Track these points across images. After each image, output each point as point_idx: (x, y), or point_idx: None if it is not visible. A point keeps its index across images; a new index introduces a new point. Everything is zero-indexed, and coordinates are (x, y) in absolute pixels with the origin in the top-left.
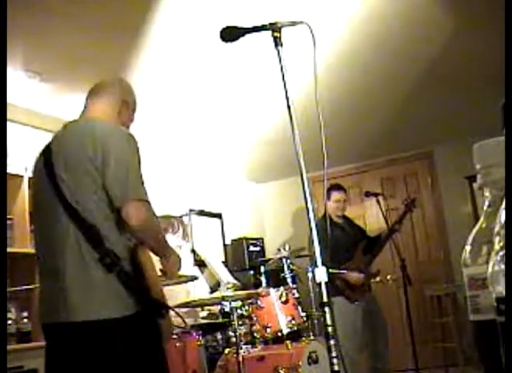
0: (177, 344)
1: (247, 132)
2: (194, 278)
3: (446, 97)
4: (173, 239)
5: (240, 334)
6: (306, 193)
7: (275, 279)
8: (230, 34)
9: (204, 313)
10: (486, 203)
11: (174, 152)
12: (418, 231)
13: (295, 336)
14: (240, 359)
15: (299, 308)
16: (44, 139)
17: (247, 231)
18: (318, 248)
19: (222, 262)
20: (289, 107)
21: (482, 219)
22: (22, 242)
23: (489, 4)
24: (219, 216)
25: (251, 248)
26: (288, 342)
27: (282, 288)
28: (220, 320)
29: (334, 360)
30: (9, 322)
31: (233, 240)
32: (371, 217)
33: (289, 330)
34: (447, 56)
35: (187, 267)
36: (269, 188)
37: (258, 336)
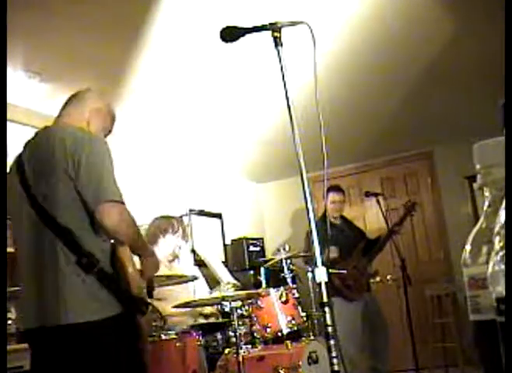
0: (177, 344)
1: (247, 132)
2: (194, 278)
3: (446, 97)
4: (173, 239)
5: (240, 334)
6: (306, 193)
7: (275, 279)
8: (230, 34)
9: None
10: (486, 203)
11: (174, 152)
12: (418, 231)
13: (295, 336)
14: (240, 359)
15: (299, 308)
16: None
17: (247, 231)
18: (318, 248)
19: (222, 262)
20: (289, 107)
21: (482, 219)
22: None
23: (489, 4)
24: (219, 216)
25: (251, 248)
26: (288, 342)
27: (282, 288)
28: (220, 320)
29: (334, 360)
30: (9, 322)
31: (233, 240)
32: (371, 217)
33: (289, 330)
34: (447, 56)
35: (188, 267)
36: (269, 188)
37: (258, 336)
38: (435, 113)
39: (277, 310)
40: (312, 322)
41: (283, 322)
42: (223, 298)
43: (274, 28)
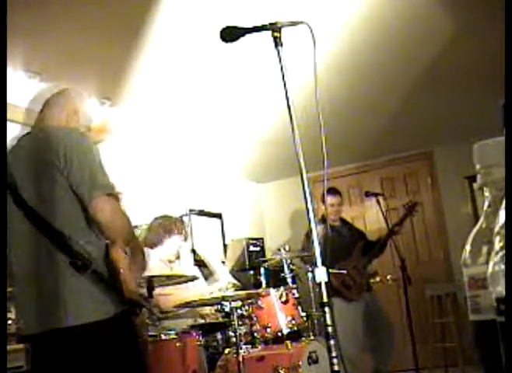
0: (177, 344)
1: (246, 132)
2: (194, 278)
3: (446, 97)
4: (177, 240)
5: (240, 334)
6: (306, 193)
7: (275, 279)
8: (230, 34)
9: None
10: (486, 203)
11: (174, 152)
12: (418, 231)
13: (295, 336)
14: (240, 359)
15: (299, 308)
16: None
17: (247, 231)
18: (318, 248)
19: (222, 262)
20: (289, 107)
21: (482, 219)
22: None
23: (489, 4)
24: (219, 216)
25: (251, 248)
26: (288, 342)
27: (282, 288)
28: (220, 320)
29: (334, 360)
30: (9, 322)
31: (233, 240)
32: (371, 217)
33: (289, 330)
34: (447, 56)
35: (188, 267)
36: (269, 188)
37: (258, 336)
38: (435, 113)
39: (277, 310)
40: (312, 322)
41: (283, 322)
42: (223, 298)
43: (274, 28)
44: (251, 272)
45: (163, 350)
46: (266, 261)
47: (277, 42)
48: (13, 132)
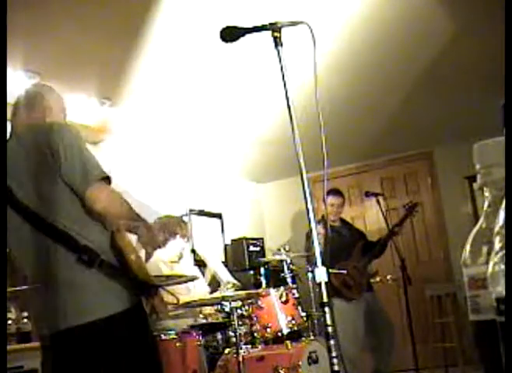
0: (177, 344)
1: (246, 132)
2: (194, 278)
3: (446, 97)
4: (181, 242)
5: (240, 334)
6: (306, 193)
7: (275, 279)
8: (230, 34)
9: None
10: (486, 203)
11: (174, 152)
12: (418, 231)
13: (295, 336)
14: (240, 359)
15: (299, 308)
16: None
17: (247, 231)
18: (318, 248)
19: (222, 262)
20: (289, 107)
21: (482, 219)
22: None
23: (489, 4)
24: (219, 216)
25: (251, 248)
26: (288, 342)
27: (282, 288)
28: (220, 320)
29: (334, 360)
30: (9, 322)
31: (233, 240)
32: (371, 217)
33: (289, 330)
34: (446, 56)
35: (188, 267)
36: (269, 188)
37: (258, 336)
38: (435, 113)
39: (277, 310)
40: (312, 322)
41: (283, 322)
42: (223, 298)
43: (274, 28)
44: (251, 272)
45: (162, 350)
46: (266, 261)
47: (277, 42)
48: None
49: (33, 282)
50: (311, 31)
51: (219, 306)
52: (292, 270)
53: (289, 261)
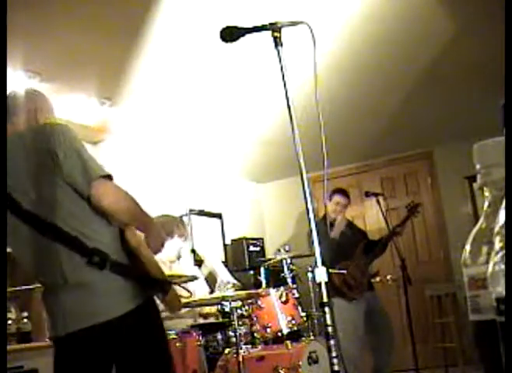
0: (177, 344)
1: (246, 132)
2: (194, 278)
3: (446, 97)
4: (179, 242)
5: (240, 334)
6: (306, 193)
7: (275, 279)
8: (230, 34)
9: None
10: (486, 203)
11: (174, 152)
12: (418, 231)
13: (295, 336)
14: (240, 359)
15: (299, 308)
16: None
17: (247, 231)
18: (318, 248)
19: (222, 262)
20: (289, 107)
21: (482, 219)
22: None
23: (489, 4)
24: (219, 216)
25: (251, 248)
26: (288, 342)
27: (282, 288)
28: (220, 320)
29: (334, 360)
30: (9, 322)
31: (233, 240)
32: (371, 217)
33: (289, 330)
34: (447, 56)
35: (188, 267)
36: (269, 188)
37: (258, 336)
38: (435, 113)
39: (277, 310)
40: (312, 322)
41: (283, 322)
42: (223, 298)
43: (274, 28)
44: (251, 272)
45: None
46: (266, 261)
47: (277, 42)
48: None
49: (45, 285)
50: (311, 31)
51: (219, 306)
52: (292, 270)
53: (289, 261)
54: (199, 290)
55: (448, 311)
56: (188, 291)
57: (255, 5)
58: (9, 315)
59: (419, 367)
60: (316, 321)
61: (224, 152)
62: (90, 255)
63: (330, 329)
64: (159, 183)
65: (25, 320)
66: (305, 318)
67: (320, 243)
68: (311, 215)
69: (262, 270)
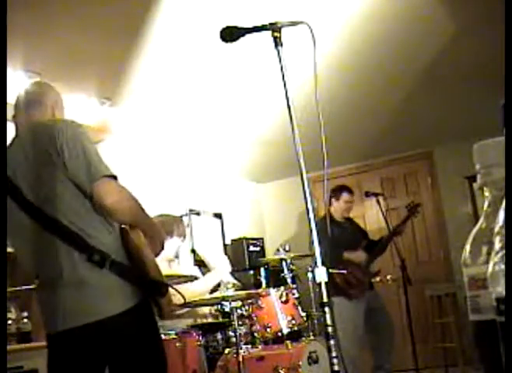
0: (177, 344)
1: (246, 132)
2: (194, 278)
3: (446, 97)
4: (177, 241)
5: (240, 334)
6: (306, 193)
7: (275, 279)
8: (230, 34)
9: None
10: (486, 203)
11: (174, 152)
12: (418, 231)
13: (295, 336)
14: (240, 359)
15: (299, 308)
16: None
17: (247, 231)
18: (318, 248)
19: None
20: (289, 107)
21: (482, 219)
22: None
23: (489, 4)
24: (219, 216)
25: (251, 248)
26: (288, 342)
27: (282, 288)
28: (220, 320)
29: (334, 360)
30: (9, 322)
31: (233, 240)
32: (371, 217)
33: (289, 330)
34: (446, 56)
35: (188, 267)
36: (269, 188)
37: (258, 336)
38: (435, 113)
39: (277, 310)
40: (312, 322)
41: (283, 322)
42: (223, 298)
43: (274, 28)
44: (251, 272)
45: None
46: (267, 263)
47: (277, 42)
48: (13, 132)
49: (39, 280)
50: (311, 31)
51: (219, 306)
52: (292, 270)
53: (289, 261)
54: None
55: (448, 311)
56: (182, 296)
57: (255, 5)
58: (9, 315)
59: (419, 367)
60: (316, 321)
61: (224, 152)
62: (90, 252)
63: (330, 329)
64: (159, 182)
65: (25, 320)
66: (305, 318)
67: (321, 243)
68: (311, 215)
69: (262, 270)
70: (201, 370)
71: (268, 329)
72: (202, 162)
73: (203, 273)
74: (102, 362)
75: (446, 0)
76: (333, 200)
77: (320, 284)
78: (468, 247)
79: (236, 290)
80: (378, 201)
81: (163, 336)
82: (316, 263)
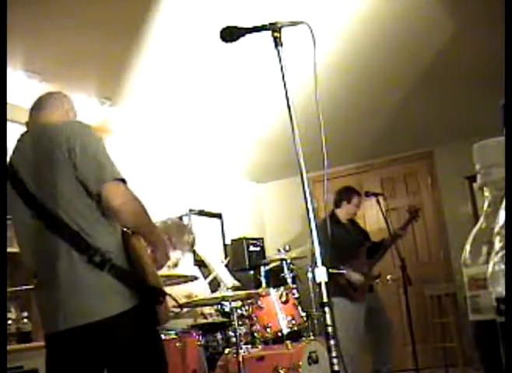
0: (177, 344)
1: (246, 132)
2: (194, 278)
3: (446, 97)
4: (183, 248)
5: (240, 334)
6: (306, 193)
7: (275, 279)
8: (230, 34)
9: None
10: (486, 203)
11: (174, 152)
12: (418, 231)
13: (295, 336)
14: (240, 359)
15: (299, 308)
16: None
17: (247, 231)
18: (318, 248)
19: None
20: (289, 107)
21: (482, 219)
22: None
23: (489, 4)
24: (219, 216)
25: (251, 248)
26: (288, 342)
27: (282, 288)
28: (220, 320)
29: (334, 360)
30: (9, 322)
31: (233, 240)
32: (371, 217)
33: (289, 330)
34: (446, 56)
35: (188, 267)
36: (269, 188)
37: (258, 336)
38: (435, 113)
39: (277, 310)
40: (312, 322)
41: (283, 322)
42: (223, 298)
43: (274, 28)
44: (251, 272)
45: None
46: (267, 262)
47: (277, 42)
48: (13, 132)
49: (37, 280)
50: (311, 31)
51: (219, 306)
52: (292, 270)
53: (289, 261)
54: (200, 290)
55: (448, 311)
56: (177, 303)
57: (255, 5)
58: (9, 315)
59: (419, 367)
60: (316, 321)
61: (224, 152)
62: (91, 254)
63: (330, 329)
64: (159, 182)
65: (25, 320)
66: (305, 318)
67: (322, 244)
68: (311, 215)
69: (262, 270)
70: (201, 370)
71: (268, 329)
72: (202, 162)
73: (203, 274)
74: (100, 363)
75: (446, 0)
76: (344, 202)
77: (320, 284)
78: (468, 247)
79: (236, 290)
80: (378, 201)
81: (163, 336)
82: (316, 263)
